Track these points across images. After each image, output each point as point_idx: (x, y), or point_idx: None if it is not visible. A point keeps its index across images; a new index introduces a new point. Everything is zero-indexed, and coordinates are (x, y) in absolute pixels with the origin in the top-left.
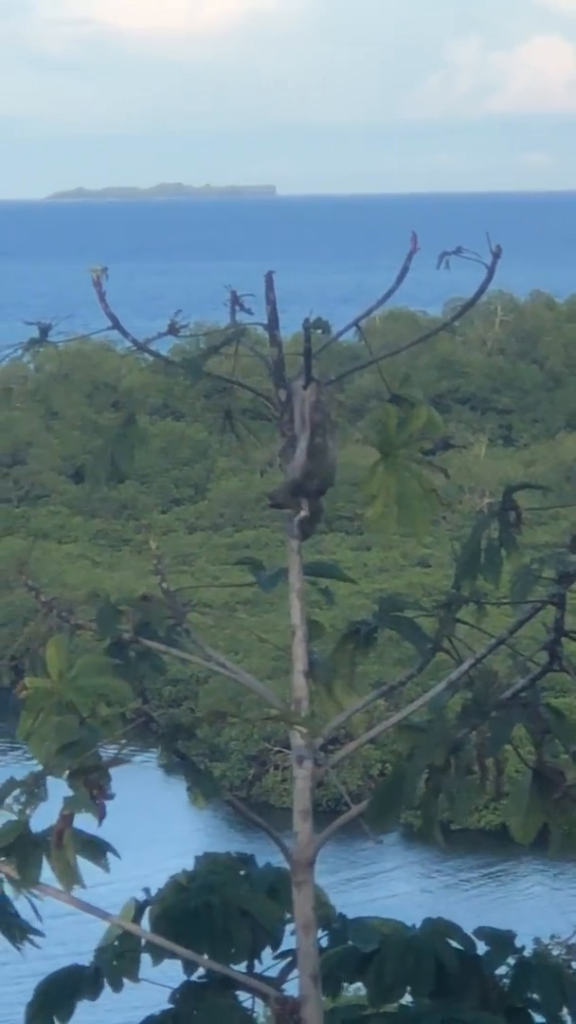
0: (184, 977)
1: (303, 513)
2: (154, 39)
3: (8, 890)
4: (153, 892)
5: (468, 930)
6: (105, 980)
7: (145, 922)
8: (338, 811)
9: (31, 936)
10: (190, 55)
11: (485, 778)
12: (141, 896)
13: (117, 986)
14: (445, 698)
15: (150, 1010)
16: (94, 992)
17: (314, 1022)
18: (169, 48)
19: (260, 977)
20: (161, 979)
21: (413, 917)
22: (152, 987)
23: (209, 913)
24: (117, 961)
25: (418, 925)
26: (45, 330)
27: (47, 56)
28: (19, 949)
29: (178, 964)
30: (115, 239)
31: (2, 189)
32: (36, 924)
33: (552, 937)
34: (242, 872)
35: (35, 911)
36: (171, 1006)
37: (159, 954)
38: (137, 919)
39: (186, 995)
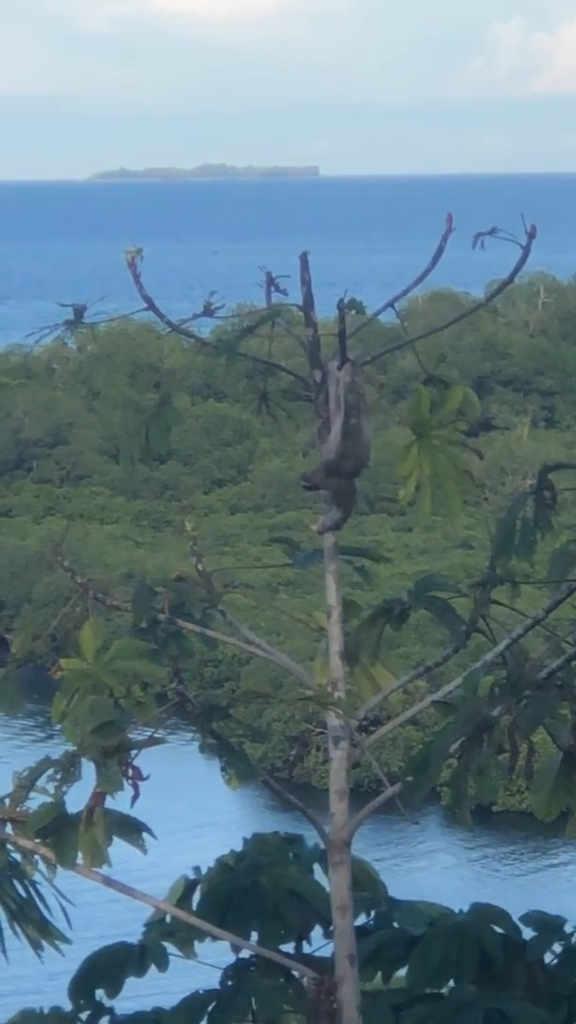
0: (235, 956)
1: (336, 517)
2: (196, 19)
3: (41, 875)
4: (202, 872)
5: (512, 912)
6: (151, 958)
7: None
8: (379, 792)
9: (57, 942)
10: (233, 35)
11: (516, 758)
12: (188, 876)
13: (163, 965)
14: (479, 674)
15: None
16: (140, 969)
17: (350, 1003)
18: (212, 28)
19: (311, 958)
20: (214, 959)
21: (452, 900)
22: (204, 968)
23: (258, 893)
24: (167, 939)
25: (463, 909)
26: (80, 311)
27: (88, 36)
28: (39, 955)
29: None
30: (158, 220)
31: (44, 170)
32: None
33: None
34: (292, 854)
35: (67, 920)
36: (218, 987)
37: (201, 935)
38: (187, 898)
39: (236, 975)
